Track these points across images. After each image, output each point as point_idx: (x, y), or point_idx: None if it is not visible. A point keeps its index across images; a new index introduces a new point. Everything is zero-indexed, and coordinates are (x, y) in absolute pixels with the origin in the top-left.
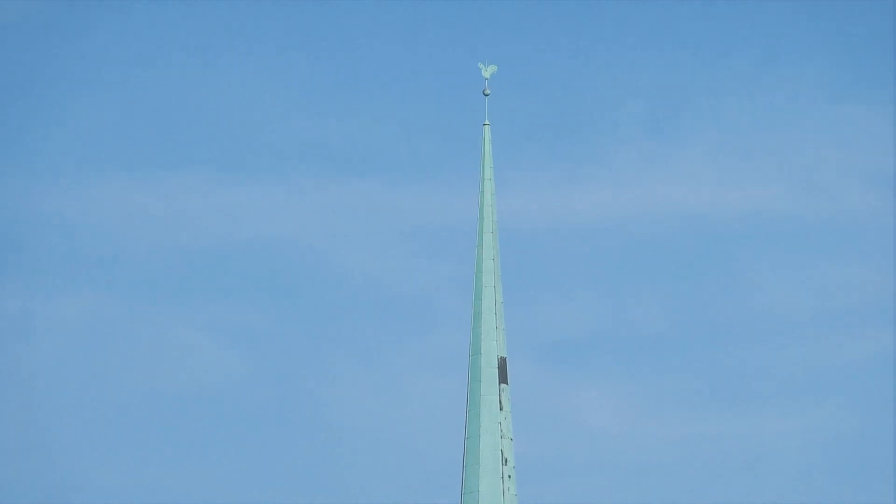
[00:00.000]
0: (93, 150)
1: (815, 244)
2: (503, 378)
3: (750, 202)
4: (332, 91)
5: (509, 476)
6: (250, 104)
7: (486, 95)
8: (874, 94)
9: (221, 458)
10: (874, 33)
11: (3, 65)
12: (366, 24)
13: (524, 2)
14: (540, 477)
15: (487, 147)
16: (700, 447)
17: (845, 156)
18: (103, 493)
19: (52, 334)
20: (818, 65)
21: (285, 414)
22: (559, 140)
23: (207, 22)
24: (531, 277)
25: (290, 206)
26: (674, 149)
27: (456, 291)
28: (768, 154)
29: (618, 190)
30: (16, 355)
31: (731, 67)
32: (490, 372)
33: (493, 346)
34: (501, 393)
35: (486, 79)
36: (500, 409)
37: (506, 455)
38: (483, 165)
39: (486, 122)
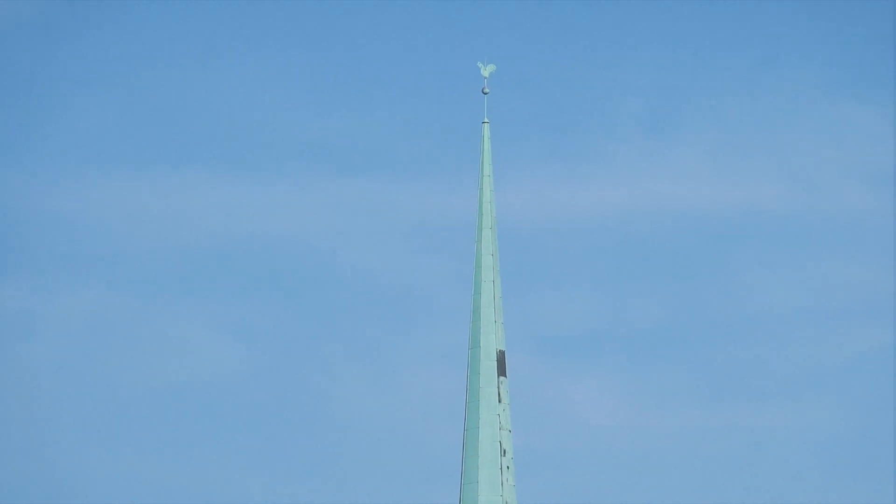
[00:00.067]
0: (95, 149)
1: (812, 242)
2: (502, 371)
3: (747, 200)
4: (334, 90)
5: (507, 467)
6: (252, 103)
7: (485, 94)
8: (871, 93)
9: (224, 452)
10: (871, 33)
11: (6, 64)
12: (367, 24)
13: (523, 2)
14: (537, 468)
15: (486, 145)
16: (695, 441)
17: (843, 154)
18: (107, 488)
19: (55, 331)
20: (816, 64)
21: (288, 408)
22: (557, 138)
23: (209, 21)
24: (530, 273)
25: (292, 203)
26: (672, 147)
27: (455, 286)
28: (766, 152)
29: (616, 187)
30: (20, 352)
31: (728, 67)
32: (489, 365)
33: (491, 340)
34: (500, 386)
35: (485, 77)
36: (499, 401)
37: (504, 446)
38: (482, 163)
39: (486, 120)
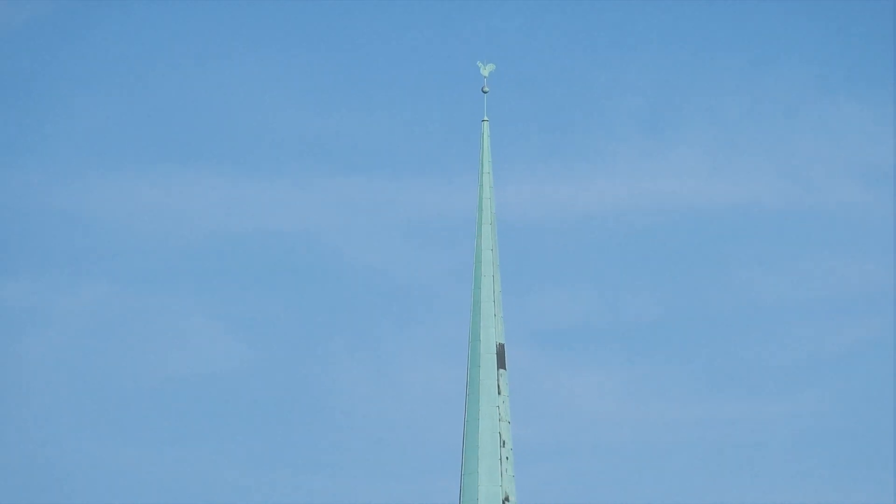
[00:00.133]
0: (100, 147)
1: (809, 238)
2: (501, 364)
3: (744, 197)
4: (336, 89)
5: (507, 458)
6: (254, 101)
7: (485, 93)
8: (866, 91)
9: (227, 446)
10: (866, 33)
11: (11, 63)
12: (368, 24)
13: (522, 2)
14: (536, 459)
15: (486, 142)
16: (692, 433)
17: (839, 152)
18: (110, 481)
19: (60, 326)
20: (811, 63)
21: (290, 401)
22: (556, 136)
23: (212, 22)
24: (529, 268)
25: (294, 200)
26: (669, 145)
27: (456, 281)
28: (762, 150)
29: (614, 184)
30: (25, 347)
31: (725, 66)
32: (489, 358)
33: (491, 334)
34: (500, 378)
35: (485, 77)
36: (499, 393)
37: (504, 437)
38: (482, 160)
39: (485, 118)
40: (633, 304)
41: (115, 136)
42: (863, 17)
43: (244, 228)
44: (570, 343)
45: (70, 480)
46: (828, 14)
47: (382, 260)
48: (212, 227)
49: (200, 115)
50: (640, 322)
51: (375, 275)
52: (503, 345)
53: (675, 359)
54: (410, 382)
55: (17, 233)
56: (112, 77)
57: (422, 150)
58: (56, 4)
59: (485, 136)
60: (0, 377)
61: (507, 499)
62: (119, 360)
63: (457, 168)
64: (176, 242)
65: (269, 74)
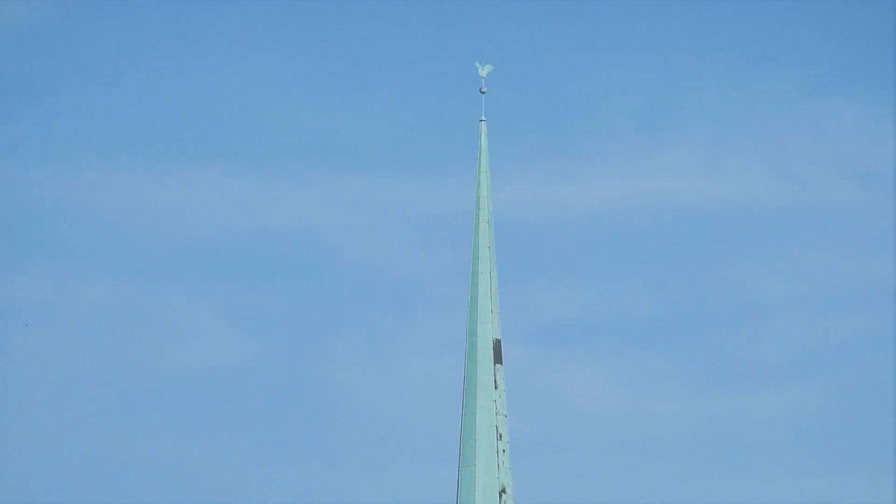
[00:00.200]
0: (109, 145)
1: (800, 234)
2: (498, 358)
3: (737, 194)
4: (337, 89)
5: (504, 450)
6: (258, 102)
7: (483, 93)
8: (857, 91)
9: (231, 438)
10: (858, 33)
11: (21, 63)
12: (369, 26)
13: (519, 4)
14: (532, 451)
15: (484, 142)
16: (686, 426)
17: (830, 150)
18: (117, 472)
19: (69, 320)
20: (803, 63)
21: (293, 395)
22: (552, 135)
23: (216, 23)
24: (525, 265)
25: (297, 198)
26: (664, 143)
27: (454, 278)
28: (755, 148)
29: (610, 182)
30: (34, 340)
31: (719, 66)
32: (486, 353)
33: (488, 329)
34: (496, 373)
35: (483, 77)
36: (495, 387)
37: (500, 431)
38: (479, 159)
39: (483, 118)
40: (628, 300)
41: (120, 134)
42: (856, 18)
43: (247, 226)
44: (566, 339)
45: (75, 474)
46: (821, 15)
47: (382, 257)
48: (215, 224)
49: (204, 115)
50: (635, 318)
51: (375, 271)
52: (500, 340)
53: (669, 354)
54: (409, 377)
55: (23, 229)
56: (117, 77)
57: (421, 150)
58: (62, 5)
59: (482, 135)
60: (6, 372)
61: (503, 490)
62: (123, 355)
63: (455, 167)
64: (180, 239)
65: (272, 75)
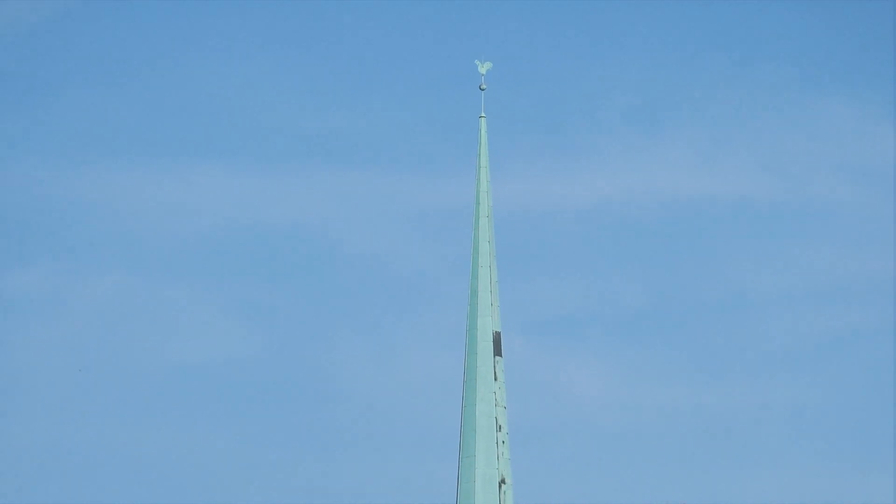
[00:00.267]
0: (115, 142)
1: (792, 228)
2: (497, 351)
3: (730, 190)
4: (339, 87)
5: (503, 441)
6: (260, 99)
7: (482, 90)
8: (848, 88)
9: (234, 429)
10: (849, 32)
11: (28, 61)
12: (370, 25)
13: (518, 3)
14: (531, 442)
15: (483, 138)
16: (681, 416)
17: (821, 146)
18: (123, 462)
19: (76, 313)
20: (795, 61)
21: (296, 386)
22: (550, 131)
23: (220, 24)
24: (524, 259)
25: (300, 193)
26: (659, 140)
27: (454, 271)
28: (748, 144)
29: (606, 178)
30: (43, 333)
31: (712, 64)
32: (485, 345)
33: (488, 322)
34: (496, 365)
35: (482, 75)
36: (495, 379)
37: (500, 422)
38: (479, 155)
39: (482, 114)
40: (624, 293)
41: (124, 132)
42: (850, 16)
43: (249, 222)
44: (564, 331)
45: (81, 466)
46: (815, 13)
47: (383, 251)
48: (218, 220)
49: (207, 113)
50: (633, 311)
51: (377, 266)
52: (499, 333)
53: (664, 346)
54: (410, 369)
55: (29, 225)
56: (121, 76)
57: (421, 146)
58: (66, 5)
59: (482, 131)
60: (15, 365)
61: (503, 481)
62: (127, 349)
63: (455, 163)
64: (184, 235)
65: (274, 72)
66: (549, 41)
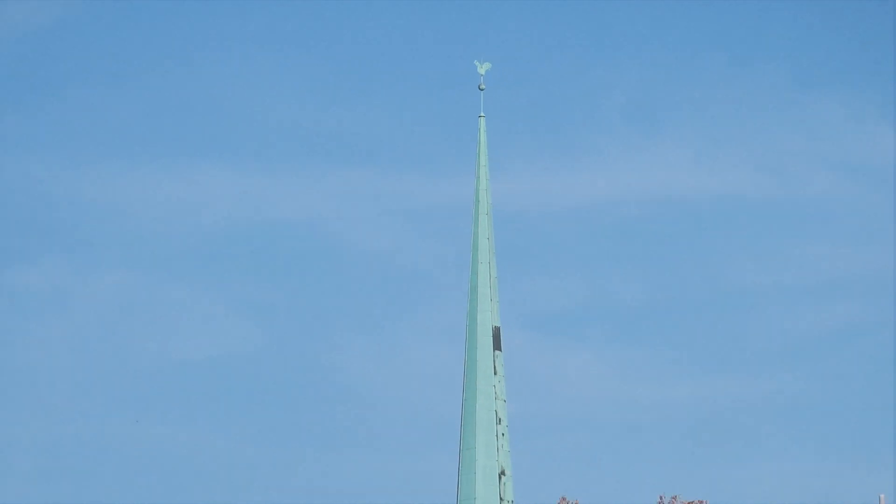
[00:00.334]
0: (121, 141)
1: (785, 225)
2: (497, 345)
3: (724, 187)
4: (342, 87)
5: (503, 434)
6: (265, 99)
7: (482, 90)
8: (840, 88)
9: (239, 422)
10: (841, 33)
11: (38, 64)
12: (372, 26)
13: (517, 4)
14: (530, 435)
15: (483, 137)
16: (677, 409)
17: (813, 144)
18: (128, 453)
19: (84, 309)
20: (789, 61)
21: (300, 379)
22: (548, 130)
23: (225, 26)
24: (523, 255)
25: (303, 191)
26: (655, 139)
27: (454, 268)
28: (742, 143)
29: (603, 176)
30: (51, 327)
31: (708, 65)
32: (485, 340)
33: (488, 317)
34: (496, 359)
35: (482, 75)
36: (495, 373)
37: (499, 415)
38: (479, 154)
39: (482, 114)
40: (622, 289)
41: (131, 131)
42: (843, 16)
43: (254, 218)
44: (563, 326)
45: (92, 448)
46: (809, 14)
47: (385, 248)
48: (224, 216)
49: (212, 113)
50: (629, 306)
51: (379, 262)
52: (499, 328)
53: (661, 341)
54: (411, 363)
55: (36, 222)
56: (128, 76)
57: (422, 145)
58: (76, 7)
59: (482, 131)
60: (20, 361)
61: (503, 472)
62: (133, 343)
63: (455, 161)
64: (190, 231)
65: (277, 73)
66: (548, 41)
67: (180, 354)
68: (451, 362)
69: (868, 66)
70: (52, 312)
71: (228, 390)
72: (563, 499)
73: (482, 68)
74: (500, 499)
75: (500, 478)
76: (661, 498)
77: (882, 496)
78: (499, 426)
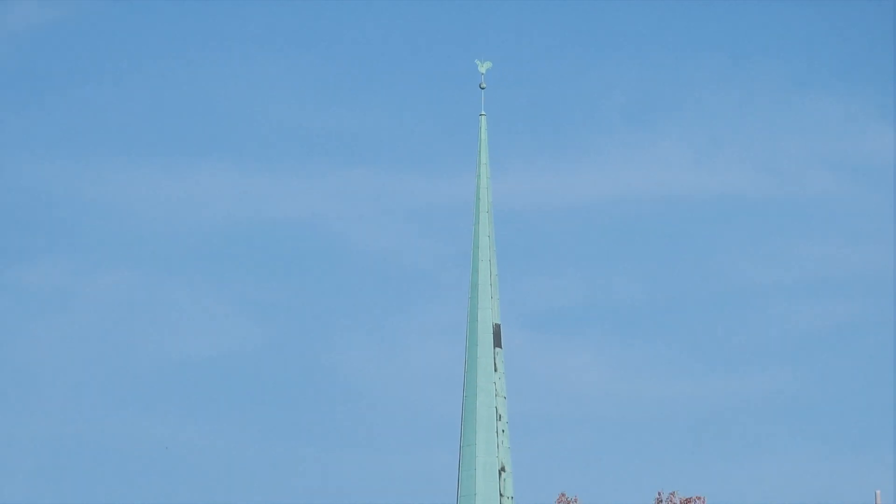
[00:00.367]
0: (124, 142)
1: (784, 223)
2: (497, 343)
3: (720, 185)
4: (343, 86)
5: (503, 430)
6: (267, 99)
7: (483, 89)
8: (838, 87)
9: (240, 420)
10: (840, 33)
11: (41, 63)
12: (374, 26)
13: (518, 4)
14: (530, 431)
15: (483, 135)
16: (675, 406)
17: (812, 143)
18: (130, 451)
19: (87, 307)
20: (788, 61)
21: (301, 377)
22: (549, 129)
23: (226, 25)
24: (523, 253)
25: (304, 190)
26: (655, 138)
27: (455, 266)
28: (741, 142)
29: (603, 174)
30: (55, 326)
31: (707, 64)
32: (486, 337)
33: (488, 314)
34: (496, 356)
35: (483, 74)
36: (495, 370)
37: (500, 412)
38: (479, 152)
39: (483, 112)
40: (621, 287)
41: (133, 131)
42: (841, 16)
43: (255, 217)
44: (562, 323)
45: (96, 445)
46: (807, 14)
47: (386, 246)
48: (225, 215)
49: (213, 112)
50: (629, 304)
51: (380, 260)
52: (499, 325)
53: (660, 339)
54: (412, 361)
55: (39, 222)
56: (130, 76)
57: (423, 143)
58: (78, 6)
59: (482, 129)
60: (22, 359)
61: (503, 469)
62: (134, 341)
63: (456, 160)
64: (191, 230)
65: (280, 73)
66: (547, 41)
67: (181, 353)
68: (452, 360)
69: (867, 66)
70: (54, 311)
71: (229, 389)
72: (563, 495)
73: (483, 67)
74: (500, 495)
75: (499, 474)
76: (659, 494)
77: (878, 492)
78: (499, 423)
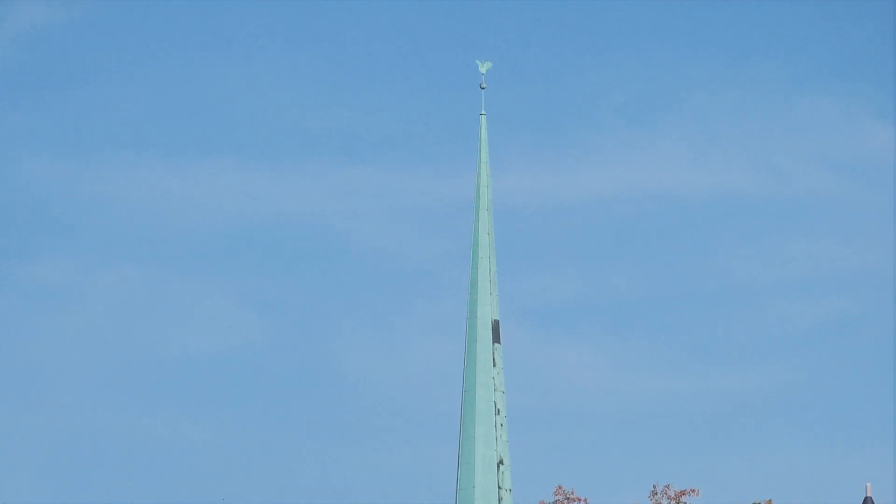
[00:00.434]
0: (130, 140)
1: (779, 222)
2: (496, 338)
3: (718, 184)
4: (345, 86)
5: (501, 424)
6: (270, 98)
7: (483, 89)
8: (833, 87)
9: (244, 414)
10: (835, 34)
11: (48, 62)
12: (375, 26)
13: (518, 5)
14: (528, 426)
15: (484, 135)
16: (671, 401)
17: (808, 143)
18: (137, 445)
19: (94, 303)
20: (784, 61)
21: (304, 372)
22: (548, 129)
23: (230, 25)
24: (522, 250)
25: (307, 188)
26: (652, 137)
27: (455, 263)
28: (738, 141)
29: (601, 173)
30: (62, 322)
31: (704, 64)
32: (485, 333)
33: (487, 311)
34: (495, 352)
35: (483, 74)
36: (494, 365)
37: (498, 406)
38: (480, 151)
39: (483, 112)
40: (619, 284)
41: (139, 129)
42: (838, 16)
43: (259, 215)
44: (561, 319)
45: (101, 440)
46: (804, 14)
47: (387, 243)
48: (227, 214)
49: (218, 111)
50: (626, 300)
51: (381, 257)
52: (498, 321)
53: (657, 335)
54: (413, 356)
55: (46, 219)
56: (136, 74)
57: (424, 142)
58: (84, 6)
59: (482, 129)
60: (30, 355)
61: (501, 462)
62: (140, 336)
63: (456, 159)
64: (195, 228)
65: (283, 73)
66: (547, 41)
67: (183, 350)
68: (452, 355)
69: (865, 66)
70: (57, 309)
71: (232, 384)
72: (560, 488)
73: (483, 67)
74: (499, 487)
75: (498, 467)
76: (654, 486)
77: (868, 485)
78: (497, 417)
